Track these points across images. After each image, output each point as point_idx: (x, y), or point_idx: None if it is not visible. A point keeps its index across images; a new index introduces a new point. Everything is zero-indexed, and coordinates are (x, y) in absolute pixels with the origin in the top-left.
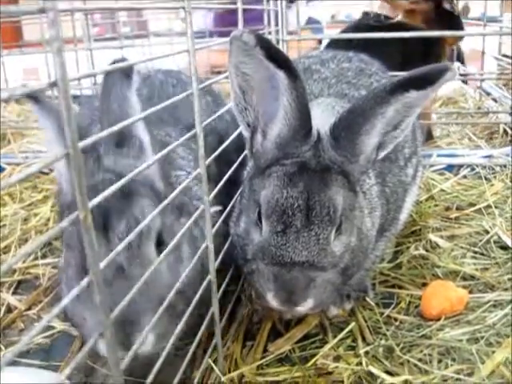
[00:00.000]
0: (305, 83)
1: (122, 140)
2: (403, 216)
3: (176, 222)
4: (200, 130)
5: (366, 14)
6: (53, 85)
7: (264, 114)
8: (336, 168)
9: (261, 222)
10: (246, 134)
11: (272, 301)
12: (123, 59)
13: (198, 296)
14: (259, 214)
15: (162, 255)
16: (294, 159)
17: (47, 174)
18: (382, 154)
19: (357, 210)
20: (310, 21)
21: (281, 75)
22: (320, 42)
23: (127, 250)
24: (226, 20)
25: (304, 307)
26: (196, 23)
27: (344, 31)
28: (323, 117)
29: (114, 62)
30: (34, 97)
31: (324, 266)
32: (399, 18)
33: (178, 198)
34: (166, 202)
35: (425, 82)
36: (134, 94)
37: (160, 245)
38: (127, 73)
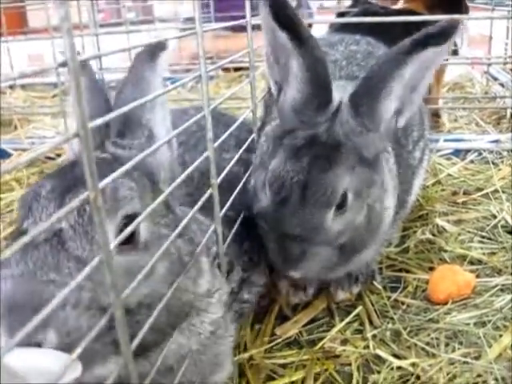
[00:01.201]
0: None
1: (126, 128)
2: (411, 199)
3: (164, 227)
4: (208, 113)
5: (355, 0)
6: (63, 65)
7: (286, 75)
8: (349, 144)
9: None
10: (274, 90)
11: (272, 258)
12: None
13: None
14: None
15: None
16: (307, 131)
17: (54, 159)
18: (402, 122)
19: (376, 186)
20: (300, 4)
21: (283, 37)
22: (310, 26)
23: (73, 217)
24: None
25: (298, 273)
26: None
27: (351, 17)
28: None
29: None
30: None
31: (316, 242)
32: (401, 4)
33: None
34: (155, 203)
35: (441, 37)
36: (158, 76)
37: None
38: (154, 51)
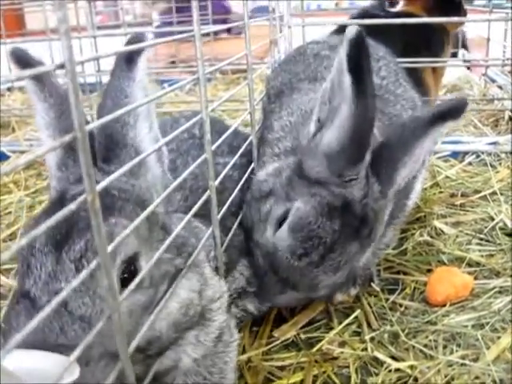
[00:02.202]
0: (314, 68)
1: (110, 152)
2: (411, 202)
3: (169, 260)
4: (206, 115)
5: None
6: (60, 67)
7: (332, 117)
8: (371, 217)
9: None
10: (313, 127)
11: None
12: (138, 37)
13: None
14: (284, 218)
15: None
16: (342, 190)
17: None
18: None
19: (363, 250)
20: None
21: (346, 79)
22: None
23: (72, 274)
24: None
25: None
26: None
27: (350, 19)
28: None
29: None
30: (38, 77)
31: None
32: (400, 6)
33: (181, 236)
34: (138, 219)
35: (458, 111)
36: (137, 86)
37: (133, 275)
38: (130, 58)
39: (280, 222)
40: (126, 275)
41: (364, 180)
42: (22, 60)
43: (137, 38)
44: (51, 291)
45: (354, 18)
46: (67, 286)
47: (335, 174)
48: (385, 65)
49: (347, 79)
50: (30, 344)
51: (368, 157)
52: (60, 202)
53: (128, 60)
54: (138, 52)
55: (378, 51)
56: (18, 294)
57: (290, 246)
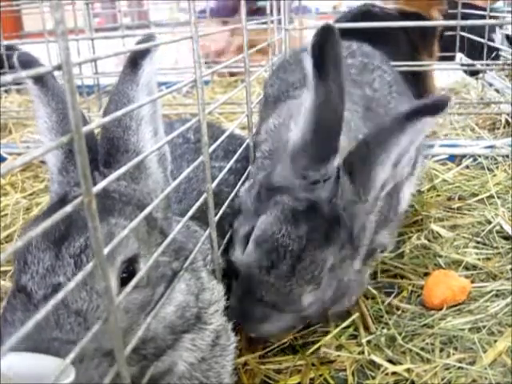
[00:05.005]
0: None
1: (111, 157)
2: (402, 207)
3: (166, 263)
4: (203, 117)
5: None
6: (57, 68)
7: (298, 113)
8: (345, 217)
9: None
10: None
11: (231, 304)
12: (149, 37)
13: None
14: (250, 233)
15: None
16: (307, 194)
17: None
18: (381, 196)
19: (348, 260)
20: (300, 10)
21: (308, 63)
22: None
23: (71, 269)
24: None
25: (254, 334)
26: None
27: (351, 19)
28: None
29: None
30: (40, 80)
31: (284, 311)
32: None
33: (179, 240)
34: (137, 219)
35: (437, 108)
36: (141, 90)
37: (132, 276)
38: (134, 62)
39: (248, 239)
40: (125, 275)
41: (333, 181)
42: (28, 65)
43: (145, 40)
44: (48, 285)
45: (354, 13)
46: (65, 282)
47: (299, 176)
48: (379, 76)
49: (309, 63)
50: (24, 338)
51: (337, 159)
52: (60, 204)
53: (133, 63)
54: (143, 55)
55: (373, 60)
56: (14, 289)
57: (256, 261)
